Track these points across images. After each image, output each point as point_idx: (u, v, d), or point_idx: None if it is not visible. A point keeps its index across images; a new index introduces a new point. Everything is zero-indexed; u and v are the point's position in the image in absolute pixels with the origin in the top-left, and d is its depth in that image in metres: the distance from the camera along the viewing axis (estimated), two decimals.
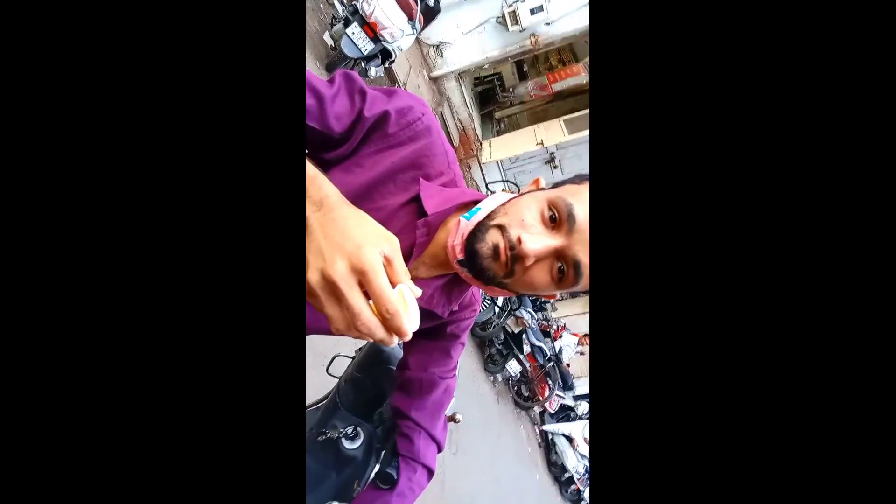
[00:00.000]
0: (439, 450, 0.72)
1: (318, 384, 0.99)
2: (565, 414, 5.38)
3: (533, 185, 0.57)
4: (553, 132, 5.57)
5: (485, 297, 3.84)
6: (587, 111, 5.71)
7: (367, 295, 0.34)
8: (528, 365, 4.59)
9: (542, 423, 5.53)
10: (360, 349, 0.99)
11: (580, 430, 5.23)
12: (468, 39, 4.96)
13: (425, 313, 0.62)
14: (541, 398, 4.79)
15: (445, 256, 0.57)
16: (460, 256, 0.53)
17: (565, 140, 5.37)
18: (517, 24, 4.53)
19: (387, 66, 3.38)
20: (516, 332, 4.49)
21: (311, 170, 0.38)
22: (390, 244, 0.36)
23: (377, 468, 0.73)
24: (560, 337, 5.05)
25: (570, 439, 5.31)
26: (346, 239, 0.34)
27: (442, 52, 5.04)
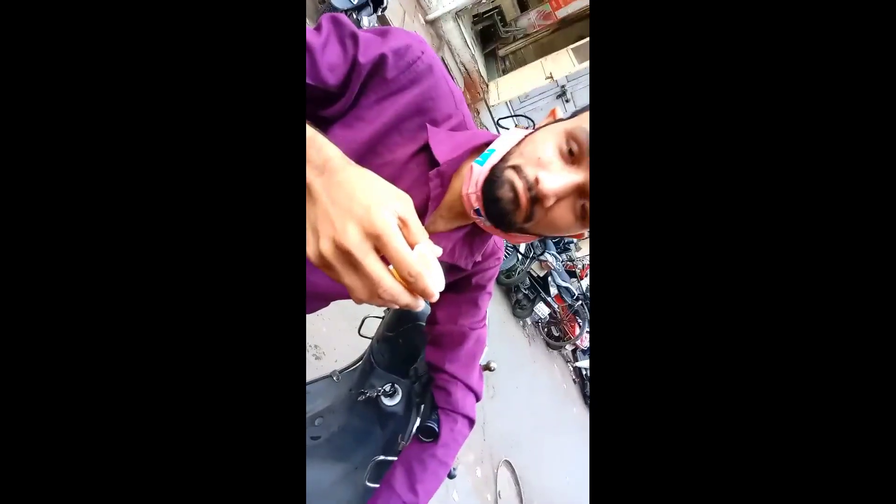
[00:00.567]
0: (477, 399, 0.73)
1: (354, 345, 1.01)
2: None
3: (549, 118, 0.53)
4: (562, 63, 5.28)
5: (507, 245, 3.83)
6: None
7: (385, 260, 0.31)
8: (556, 306, 4.63)
9: (575, 360, 5.64)
10: (388, 309, 1.00)
11: None
12: None
13: (448, 267, 0.60)
14: (571, 337, 4.86)
15: (462, 206, 0.54)
16: (477, 205, 0.50)
17: (576, 70, 5.10)
18: None
19: (379, 13, 3.20)
20: (542, 275, 4.49)
21: (310, 131, 0.35)
22: (403, 203, 0.33)
23: (418, 422, 0.74)
24: (586, 276, 5.04)
25: None
26: (355, 202, 0.31)
27: None
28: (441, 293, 0.70)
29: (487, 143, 0.53)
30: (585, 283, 4.93)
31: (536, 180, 0.45)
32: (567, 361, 5.68)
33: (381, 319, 1.01)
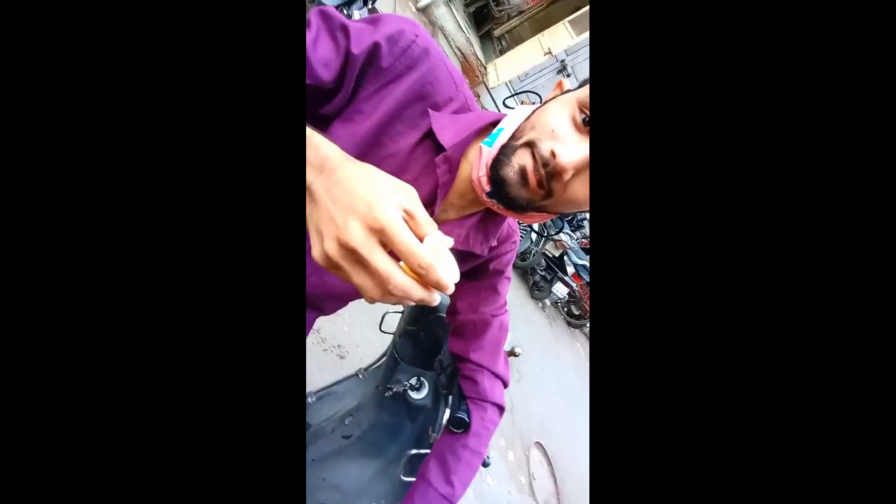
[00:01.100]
0: (505, 385, 0.72)
1: (377, 342, 1.01)
2: None
3: (557, 90, 0.50)
4: (559, 37, 5.17)
5: (520, 226, 3.80)
6: None
7: (395, 256, 0.30)
8: (574, 285, 4.58)
9: None
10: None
11: None
12: None
13: (464, 255, 0.59)
14: None
15: (473, 192, 0.52)
16: (488, 188, 0.48)
17: (574, 43, 4.98)
18: None
19: (370, 6, 3.16)
20: (557, 255, 4.45)
21: (307, 130, 0.34)
22: (406, 195, 0.32)
23: (447, 413, 0.74)
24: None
25: None
26: (356, 198, 0.30)
27: None
28: (459, 282, 0.69)
29: (494, 123, 0.52)
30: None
31: (553, 154, 0.43)
32: (589, 339, 5.65)
33: (401, 314, 1.00)
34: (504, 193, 0.47)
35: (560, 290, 4.60)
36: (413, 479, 0.68)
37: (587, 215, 4.79)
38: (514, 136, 0.47)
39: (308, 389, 1.02)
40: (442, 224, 0.55)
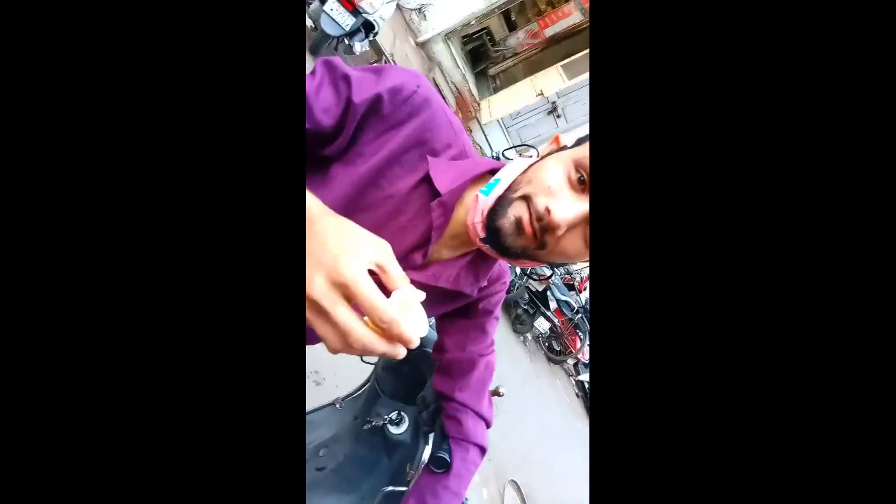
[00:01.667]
0: (488, 426, 0.72)
1: (355, 367, 0.99)
2: None
3: (553, 144, 0.53)
4: (551, 80, 5.37)
5: None
6: (584, 52, 5.47)
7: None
8: (556, 320, 4.61)
9: (577, 374, 5.59)
10: None
11: None
12: None
13: (454, 293, 0.60)
14: (573, 350, 4.83)
15: (467, 234, 0.54)
16: (482, 235, 0.50)
17: (565, 86, 5.18)
18: None
19: (371, 38, 3.26)
20: (540, 289, 4.48)
21: None
22: (379, 250, 0.34)
23: (428, 452, 0.73)
24: (585, 289, 5.03)
25: None
26: (325, 252, 0.31)
27: (425, 15, 4.84)
28: (448, 319, 0.69)
29: (491, 172, 0.54)
30: (584, 295, 4.92)
31: (547, 210, 0.45)
32: (569, 375, 5.63)
33: None
34: (499, 241, 0.48)
35: (542, 324, 4.61)
36: None
37: None
38: (510, 188, 0.49)
39: None
40: (434, 264, 0.56)
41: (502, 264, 0.67)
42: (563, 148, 0.52)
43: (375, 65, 0.55)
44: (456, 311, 0.67)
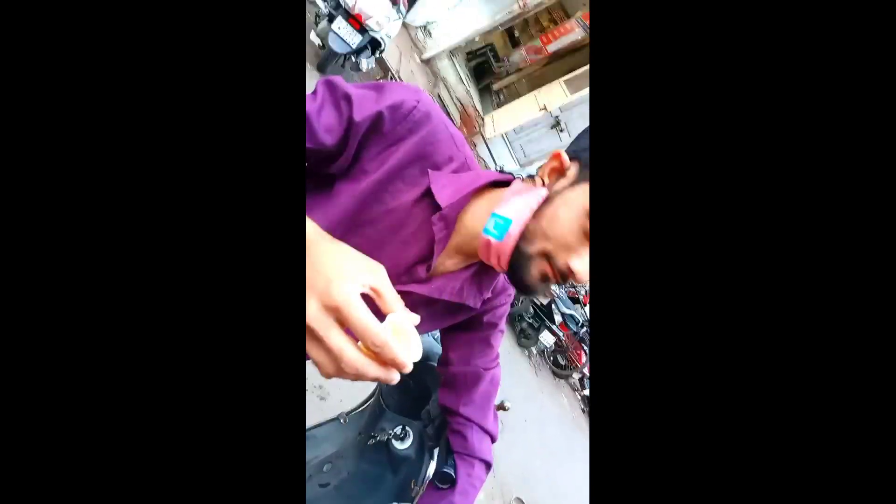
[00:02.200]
0: (493, 440, 0.71)
1: (360, 385, 0.99)
2: None
3: (554, 161, 0.53)
4: (555, 95, 5.42)
5: None
6: (586, 67, 5.53)
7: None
8: (561, 334, 4.57)
9: (583, 388, 5.53)
10: None
11: None
12: (454, 15, 4.82)
13: (458, 306, 0.60)
14: (578, 365, 4.78)
15: (471, 247, 0.55)
16: (499, 268, 0.53)
17: (568, 101, 5.23)
18: None
19: (377, 55, 3.32)
20: (545, 303, 4.46)
21: None
22: (373, 274, 0.34)
23: (433, 467, 0.72)
24: (589, 302, 5.00)
25: None
26: (319, 276, 0.32)
27: (430, 33, 4.92)
28: (453, 332, 0.69)
29: (493, 184, 0.55)
30: (589, 309, 4.90)
31: (570, 270, 0.48)
32: (574, 390, 5.56)
33: None
34: (523, 289, 0.52)
35: (547, 338, 4.57)
36: None
37: None
38: (526, 239, 0.50)
39: None
40: (438, 277, 0.57)
41: (505, 277, 0.67)
42: (566, 169, 0.52)
43: (377, 81, 0.56)
44: (460, 325, 0.67)
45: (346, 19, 2.87)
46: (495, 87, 6.92)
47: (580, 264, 0.48)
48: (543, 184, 0.52)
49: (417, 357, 0.33)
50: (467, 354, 0.68)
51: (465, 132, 5.35)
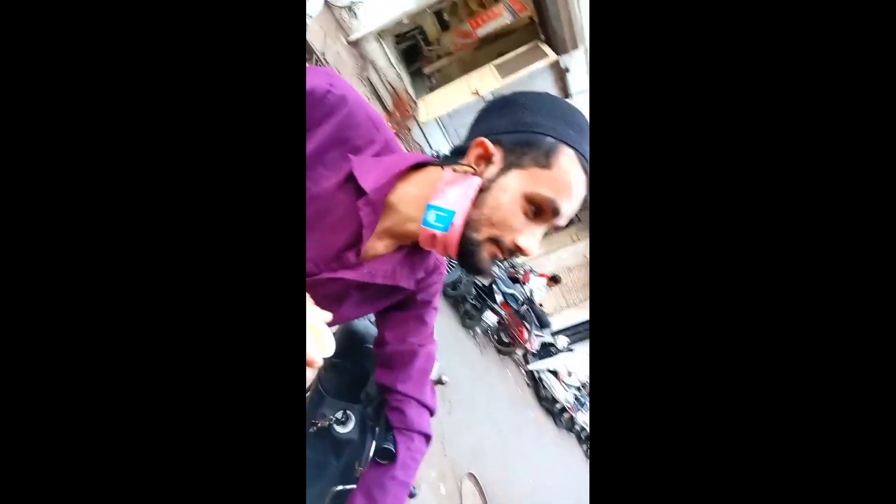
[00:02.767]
0: (431, 414, 0.73)
1: None
2: (546, 351, 5.62)
3: (480, 149, 0.53)
4: (486, 79, 5.49)
5: (449, 260, 3.87)
6: (517, 52, 5.63)
7: None
8: (503, 313, 4.72)
9: (527, 363, 5.76)
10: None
11: (562, 363, 5.51)
12: None
13: (391, 287, 0.60)
14: (521, 341, 4.97)
15: (402, 229, 0.55)
16: (445, 256, 0.56)
17: (500, 85, 5.31)
18: None
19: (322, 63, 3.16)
20: (486, 284, 4.57)
21: None
22: None
23: (374, 446, 0.73)
24: (528, 280, 5.20)
25: (554, 373, 5.59)
26: None
27: (356, 13, 4.76)
28: (387, 312, 0.70)
29: (417, 166, 0.55)
30: (528, 287, 5.08)
31: (517, 246, 0.52)
32: (518, 366, 5.79)
33: None
34: (476, 270, 0.54)
35: (490, 318, 4.70)
36: None
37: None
38: (471, 227, 0.52)
39: None
40: (369, 261, 0.57)
41: (438, 256, 0.68)
42: (491, 155, 0.53)
43: None
44: (395, 305, 0.67)
45: None
46: (427, 70, 6.86)
47: (525, 241, 0.52)
48: (474, 171, 0.53)
49: (329, 353, 0.34)
50: (402, 333, 0.69)
51: (399, 116, 5.27)
